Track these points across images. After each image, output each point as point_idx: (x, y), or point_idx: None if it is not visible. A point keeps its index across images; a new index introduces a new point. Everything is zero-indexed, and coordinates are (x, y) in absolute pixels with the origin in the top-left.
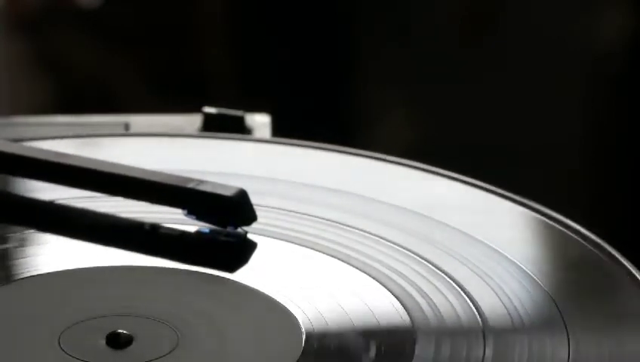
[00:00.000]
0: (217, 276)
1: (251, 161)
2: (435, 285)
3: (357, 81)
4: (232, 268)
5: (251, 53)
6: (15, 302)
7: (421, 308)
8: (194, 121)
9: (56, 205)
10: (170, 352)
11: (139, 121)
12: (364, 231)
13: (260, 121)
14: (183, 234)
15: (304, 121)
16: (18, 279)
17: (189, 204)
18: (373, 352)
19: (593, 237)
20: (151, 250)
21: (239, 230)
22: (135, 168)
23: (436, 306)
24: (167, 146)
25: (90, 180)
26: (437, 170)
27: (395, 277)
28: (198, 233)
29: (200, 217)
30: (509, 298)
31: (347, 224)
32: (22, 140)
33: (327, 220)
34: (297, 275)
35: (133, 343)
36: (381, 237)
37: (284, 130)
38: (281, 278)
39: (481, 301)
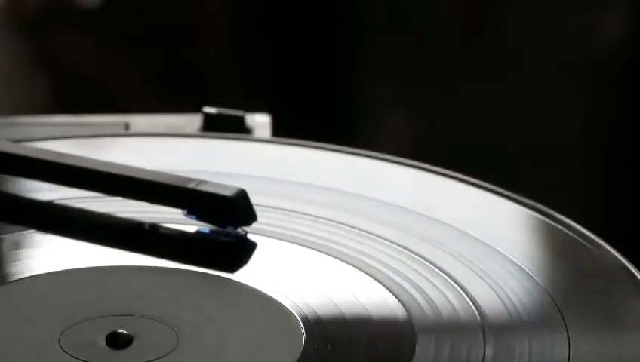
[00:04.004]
0: (217, 276)
1: (251, 161)
2: (435, 285)
3: (357, 81)
4: (232, 268)
5: (251, 53)
6: (15, 302)
7: (421, 307)
8: (194, 121)
9: (56, 205)
10: (170, 352)
11: (139, 121)
12: (364, 231)
13: (260, 121)
14: (183, 234)
15: (304, 121)
16: (18, 279)
17: (189, 204)
18: (373, 352)
19: (593, 236)
20: (151, 250)
21: (239, 230)
22: (135, 168)
23: (436, 306)
24: (167, 146)
25: (90, 180)
26: (437, 170)
27: (394, 276)
28: (198, 233)
29: (200, 217)
30: (509, 297)
31: (347, 224)
32: (22, 140)
33: (327, 220)
34: (297, 275)
35: (133, 343)
36: (381, 237)
37: (284, 130)
38: (281, 278)
39: (481, 300)
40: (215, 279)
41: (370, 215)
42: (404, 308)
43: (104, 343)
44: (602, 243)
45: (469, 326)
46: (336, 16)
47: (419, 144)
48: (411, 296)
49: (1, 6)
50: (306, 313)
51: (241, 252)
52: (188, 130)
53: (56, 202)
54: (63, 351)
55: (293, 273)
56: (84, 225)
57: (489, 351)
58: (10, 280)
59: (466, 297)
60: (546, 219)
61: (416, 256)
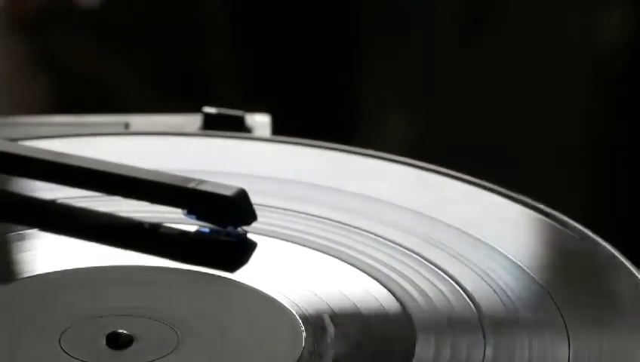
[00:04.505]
0: (217, 276)
1: (251, 160)
2: (435, 285)
3: (357, 80)
4: (232, 268)
5: (251, 53)
6: (15, 302)
7: (421, 307)
8: (194, 120)
9: (56, 205)
10: (170, 352)
11: (139, 121)
12: (364, 231)
13: (259, 121)
14: (183, 234)
15: (304, 121)
16: (18, 279)
17: (189, 204)
18: (372, 352)
19: (593, 236)
20: (151, 249)
21: (239, 230)
22: (135, 168)
23: (436, 306)
24: (167, 146)
25: (90, 180)
26: (437, 168)
27: (394, 276)
28: (198, 233)
29: (200, 217)
30: (509, 297)
31: (347, 223)
32: (22, 140)
33: (327, 220)
34: (297, 275)
35: (133, 343)
36: (381, 237)
37: (284, 130)
38: (281, 278)
39: (481, 300)
40: (215, 279)
41: (370, 215)
42: (405, 307)
43: (104, 343)
44: (603, 242)
45: (469, 326)
46: (336, 16)
47: (419, 144)
48: (411, 296)
49: (1, 6)
50: (306, 313)
51: (241, 252)
52: (188, 130)
53: (57, 202)
54: (63, 351)
55: (294, 273)
56: (84, 225)
57: (489, 351)
58: (10, 280)
59: (466, 297)
60: (546, 219)
61: (416, 256)
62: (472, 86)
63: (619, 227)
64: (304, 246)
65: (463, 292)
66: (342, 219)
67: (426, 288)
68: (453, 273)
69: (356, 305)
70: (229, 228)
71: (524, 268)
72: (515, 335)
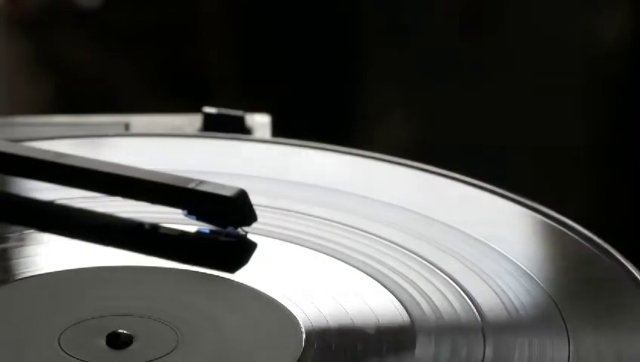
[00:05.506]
0: (217, 276)
1: (251, 161)
2: (434, 285)
3: (357, 81)
4: (232, 268)
5: (251, 53)
6: (15, 302)
7: (421, 307)
8: (194, 121)
9: (56, 205)
10: (170, 352)
11: (139, 121)
12: (364, 231)
13: (259, 121)
14: (183, 234)
15: (304, 121)
16: (18, 279)
17: (189, 204)
18: (373, 352)
19: (593, 236)
20: (151, 250)
21: (239, 230)
22: (135, 168)
23: (436, 306)
24: (167, 146)
25: (90, 180)
26: (437, 170)
27: (394, 276)
28: (198, 233)
29: (200, 217)
30: (509, 298)
31: (347, 224)
32: (22, 140)
33: (327, 220)
34: (297, 275)
35: (133, 343)
36: (381, 237)
37: (284, 130)
38: (281, 278)
39: (481, 301)
40: (215, 279)
41: (370, 215)
42: (404, 308)
43: (104, 343)
44: (602, 243)
45: (468, 327)
46: (337, 16)
47: (419, 144)
48: (411, 296)
49: (1, 6)
50: (306, 313)
51: (241, 252)
52: (188, 130)
53: (57, 202)
54: (63, 351)
55: (293, 273)
56: (84, 225)
57: (489, 352)
58: (10, 280)
59: (465, 297)
60: (545, 220)
61: (416, 256)
62: (471, 86)
63: (619, 227)
64: (304, 246)
65: (462, 293)
66: (341, 219)
67: (425, 288)
68: (453, 273)
69: (356, 305)
70: (229, 229)
71: (524, 268)
72: (515, 335)
